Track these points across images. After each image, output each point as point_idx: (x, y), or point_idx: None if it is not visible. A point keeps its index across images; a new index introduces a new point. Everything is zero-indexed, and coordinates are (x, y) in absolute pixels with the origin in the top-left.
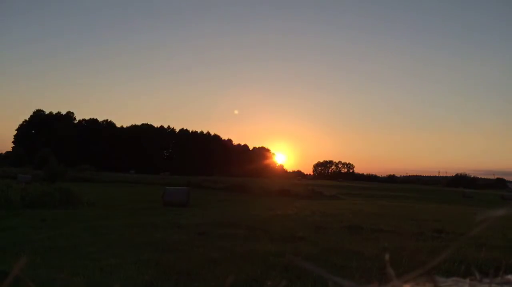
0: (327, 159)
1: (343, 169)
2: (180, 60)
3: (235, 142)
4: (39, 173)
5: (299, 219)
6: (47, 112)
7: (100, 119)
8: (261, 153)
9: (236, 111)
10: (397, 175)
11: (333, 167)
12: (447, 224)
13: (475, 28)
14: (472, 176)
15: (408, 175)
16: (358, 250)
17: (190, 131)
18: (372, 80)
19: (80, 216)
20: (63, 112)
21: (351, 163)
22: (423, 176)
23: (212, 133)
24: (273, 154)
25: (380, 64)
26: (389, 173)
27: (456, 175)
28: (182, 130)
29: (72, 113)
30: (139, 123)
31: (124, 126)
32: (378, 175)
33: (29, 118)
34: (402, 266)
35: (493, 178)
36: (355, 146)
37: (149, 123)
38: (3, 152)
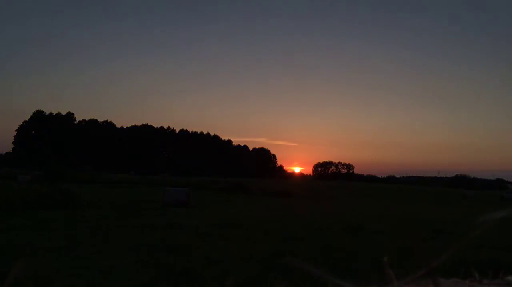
0: (327, 159)
1: (343, 170)
2: (180, 61)
3: (235, 143)
4: (39, 173)
5: (298, 220)
6: (47, 113)
7: (100, 119)
8: (261, 153)
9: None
10: (397, 175)
11: (333, 167)
12: (447, 224)
13: (474, 28)
14: (472, 177)
15: (408, 175)
16: (358, 250)
17: (190, 131)
18: (372, 80)
19: (80, 216)
20: (63, 112)
21: (351, 163)
22: (423, 176)
23: (212, 134)
24: (273, 154)
25: (379, 65)
26: (389, 174)
27: (456, 175)
28: (182, 131)
29: (72, 114)
30: (139, 124)
31: (124, 127)
32: (378, 175)
33: (29, 119)
34: (402, 267)
35: (493, 178)
36: (355, 147)
37: (149, 124)
38: (3, 152)
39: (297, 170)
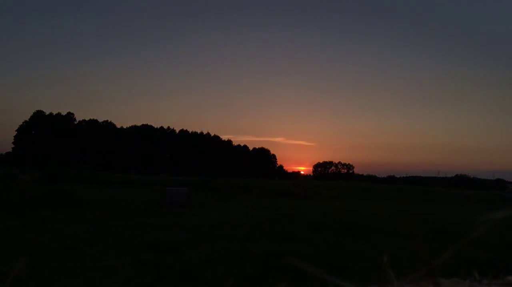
0: (327, 159)
1: (343, 170)
2: (180, 61)
3: (234, 143)
4: (39, 173)
5: (299, 220)
6: (47, 113)
7: (100, 119)
8: (261, 153)
9: None
10: (397, 175)
11: (332, 167)
12: (447, 224)
13: (474, 27)
14: (472, 177)
15: (408, 175)
16: (358, 250)
17: (190, 131)
18: (372, 80)
19: (80, 216)
20: (63, 112)
21: (351, 163)
22: (423, 176)
23: (212, 134)
24: (273, 154)
25: (380, 65)
26: (388, 174)
27: (456, 175)
28: (182, 131)
29: (72, 114)
30: (139, 124)
31: (124, 127)
32: (378, 175)
33: (29, 119)
34: (402, 267)
35: (493, 178)
36: (355, 147)
37: (149, 124)
38: (3, 152)
39: (297, 169)
